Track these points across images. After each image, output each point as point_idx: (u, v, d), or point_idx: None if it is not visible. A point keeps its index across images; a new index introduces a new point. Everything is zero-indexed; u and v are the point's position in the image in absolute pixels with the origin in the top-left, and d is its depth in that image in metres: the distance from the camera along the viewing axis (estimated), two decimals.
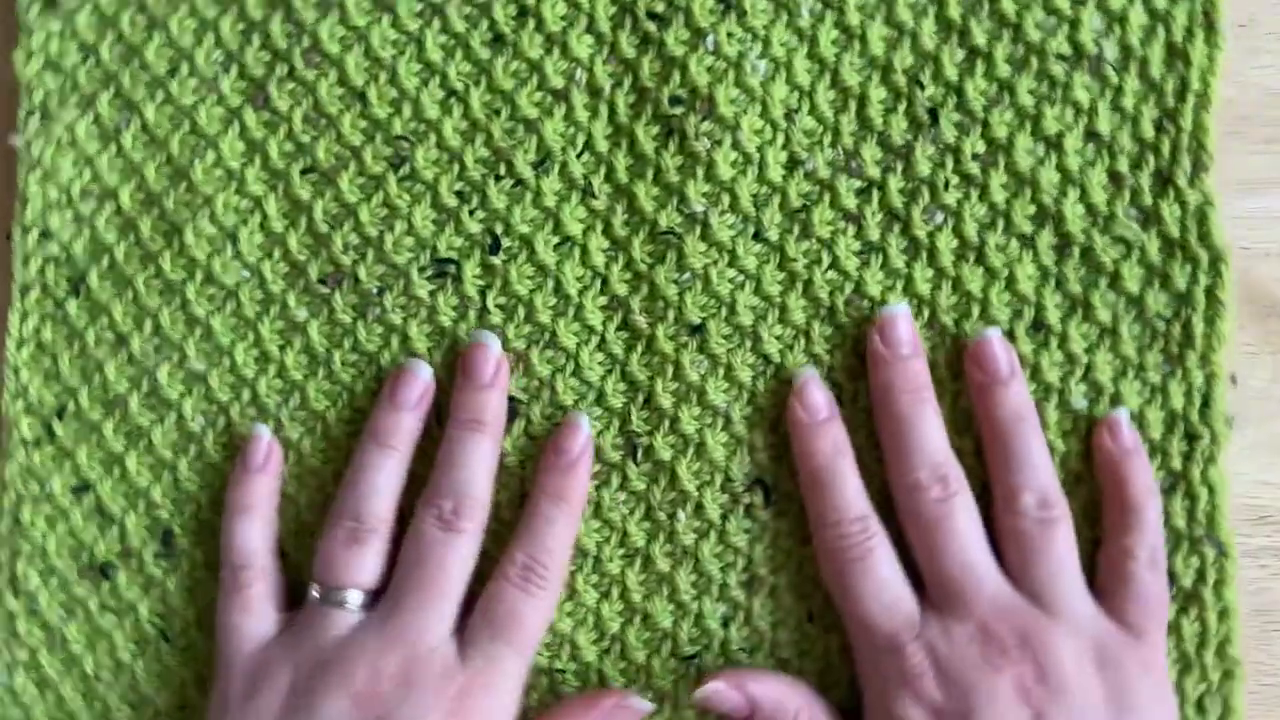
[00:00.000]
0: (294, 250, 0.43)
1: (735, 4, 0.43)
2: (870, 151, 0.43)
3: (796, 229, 0.43)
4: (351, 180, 0.43)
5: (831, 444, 0.41)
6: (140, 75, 0.43)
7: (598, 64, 0.43)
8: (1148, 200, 0.42)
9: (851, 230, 0.43)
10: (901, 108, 0.43)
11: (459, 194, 0.43)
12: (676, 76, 0.43)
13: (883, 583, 0.39)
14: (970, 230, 0.42)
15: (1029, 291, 0.42)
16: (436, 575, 0.39)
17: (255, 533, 0.41)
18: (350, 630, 0.39)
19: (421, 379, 0.42)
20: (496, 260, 0.43)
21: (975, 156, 0.42)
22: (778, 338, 0.43)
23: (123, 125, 0.43)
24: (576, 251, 0.43)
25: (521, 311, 0.43)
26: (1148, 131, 0.42)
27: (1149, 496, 0.40)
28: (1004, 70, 0.42)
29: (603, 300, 0.43)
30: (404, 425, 0.41)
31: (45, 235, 0.43)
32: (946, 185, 0.42)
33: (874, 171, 0.43)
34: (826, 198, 0.43)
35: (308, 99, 0.43)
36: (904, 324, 0.41)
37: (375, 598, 0.40)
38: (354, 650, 0.38)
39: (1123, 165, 0.42)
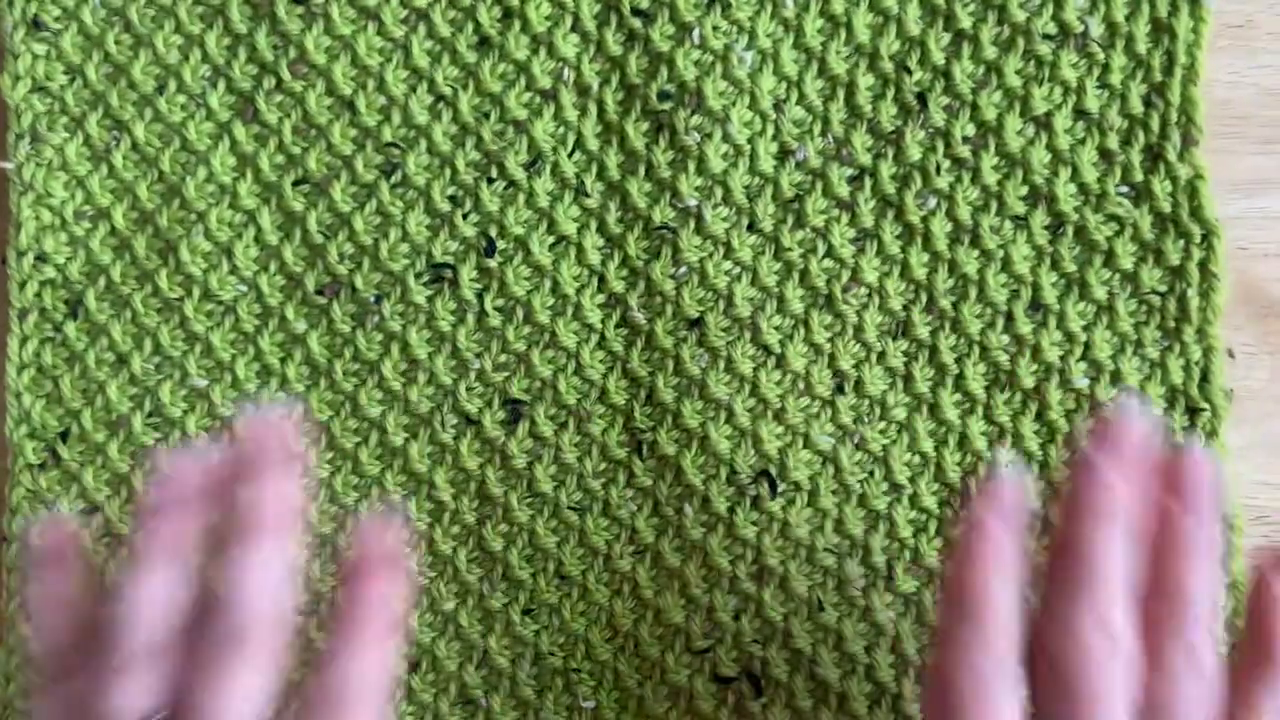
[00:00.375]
0: (290, 262, 0.43)
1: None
2: (861, 139, 0.43)
3: (790, 219, 0.43)
4: (344, 189, 0.43)
5: (1014, 566, 0.33)
6: (128, 94, 0.43)
7: (585, 62, 0.43)
8: (1139, 176, 0.42)
9: (845, 218, 0.43)
10: (890, 94, 0.43)
11: (452, 198, 0.43)
12: (664, 72, 0.43)
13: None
14: (964, 213, 0.42)
15: (1025, 272, 0.42)
16: (223, 709, 0.31)
17: None
18: None
19: (187, 469, 0.34)
20: (493, 263, 0.43)
21: (965, 139, 0.42)
22: (777, 328, 0.43)
23: (113, 145, 0.43)
24: (572, 250, 0.43)
25: (520, 312, 0.43)
26: (1136, 107, 0.42)
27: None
28: (991, 52, 0.42)
29: (600, 298, 0.43)
30: (169, 530, 0.33)
31: (41, 259, 0.43)
32: (938, 169, 0.42)
33: (865, 159, 0.43)
34: (819, 186, 0.43)
35: (296, 110, 0.43)
36: (1142, 425, 0.34)
37: None
38: None
39: (1113, 142, 0.42)
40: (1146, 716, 0.32)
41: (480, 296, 0.43)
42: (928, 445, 0.43)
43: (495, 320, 0.43)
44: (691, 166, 0.43)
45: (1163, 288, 0.42)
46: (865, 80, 0.43)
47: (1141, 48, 0.42)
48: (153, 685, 0.32)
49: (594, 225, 0.43)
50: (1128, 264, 0.42)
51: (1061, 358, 0.42)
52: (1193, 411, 0.42)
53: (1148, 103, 0.42)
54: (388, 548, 0.34)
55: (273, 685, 0.32)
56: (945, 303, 0.42)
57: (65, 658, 0.33)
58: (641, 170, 0.43)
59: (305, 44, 0.43)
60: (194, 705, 0.31)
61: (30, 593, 0.34)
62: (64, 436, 0.43)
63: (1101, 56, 0.42)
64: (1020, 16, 0.42)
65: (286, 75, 0.43)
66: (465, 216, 0.43)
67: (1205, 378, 0.42)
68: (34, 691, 0.33)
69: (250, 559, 0.32)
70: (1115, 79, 0.42)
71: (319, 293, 0.43)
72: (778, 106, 0.43)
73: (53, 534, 0.35)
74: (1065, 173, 0.42)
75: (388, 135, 0.43)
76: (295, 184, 0.43)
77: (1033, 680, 0.32)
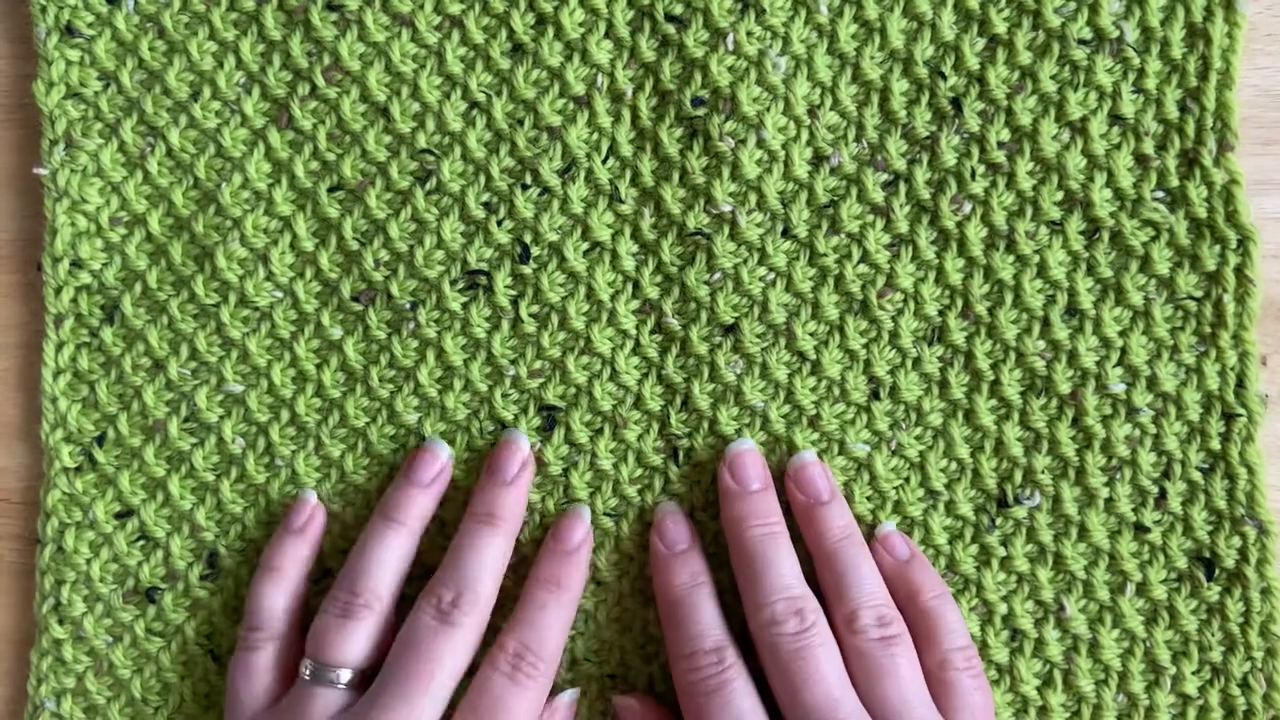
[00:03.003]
0: (325, 269, 0.43)
1: (754, 3, 0.43)
2: (895, 144, 0.43)
3: (825, 224, 0.43)
4: (379, 196, 0.43)
5: (689, 574, 0.40)
6: (162, 100, 0.43)
7: (619, 68, 0.43)
8: (1174, 182, 0.42)
9: (880, 223, 0.43)
10: (924, 99, 0.43)
11: (486, 205, 0.43)
12: (698, 78, 0.43)
13: (739, 716, 0.38)
14: (999, 219, 0.42)
15: (1061, 277, 0.42)
16: (425, 666, 0.38)
17: (277, 596, 0.41)
18: (333, 713, 0.38)
19: (440, 458, 0.42)
20: (527, 269, 0.43)
21: (1000, 145, 0.42)
22: (811, 334, 0.43)
23: (148, 151, 0.43)
24: (606, 257, 0.43)
25: (555, 319, 0.43)
26: (1172, 112, 0.42)
27: (944, 602, 0.40)
28: (1025, 57, 0.42)
29: (635, 304, 0.43)
30: (415, 502, 0.41)
31: (76, 265, 0.43)
32: (973, 174, 0.42)
33: (900, 164, 0.43)
34: (854, 192, 0.43)
35: (331, 117, 0.43)
36: (751, 459, 0.41)
37: (369, 676, 0.39)
38: None
39: (1148, 147, 0.42)
40: (850, 664, 0.38)
41: (515, 303, 0.43)
42: (964, 451, 0.43)
43: (530, 327, 0.43)
44: (726, 172, 0.43)
45: (1199, 293, 0.42)
46: (899, 85, 0.43)
47: (1177, 53, 0.42)
48: (369, 638, 0.39)
49: (628, 231, 0.43)
50: (1164, 269, 0.42)
51: (1098, 363, 0.42)
52: (1229, 417, 0.42)
53: (1183, 108, 0.42)
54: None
55: (474, 648, 0.39)
56: (981, 308, 0.42)
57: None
58: (676, 176, 0.43)
59: (340, 50, 0.43)
60: (400, 663, 0.38)
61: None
62: (100, 441, 0.43)
63: (1137, 61, 0.42)
64: (1055, 21, 0.42)
65: (321, 81, 0.43)
66: (500, 223, 0.43)
67: (1241, 383, 0.42)
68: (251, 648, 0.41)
69: (484, 544, 0.40)
70: (1151, 84, 0.42)
71: (355, 299, 0.43)
72: (812, 112, 0.43)
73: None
74: (1101, 178, 0.42)
75: (422, 142, 0.43)
76: (330, 190, 0.43)
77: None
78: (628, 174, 0.43)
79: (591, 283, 0.43)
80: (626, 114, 0.43)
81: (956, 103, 0.43)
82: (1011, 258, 0.42)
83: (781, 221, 0.43)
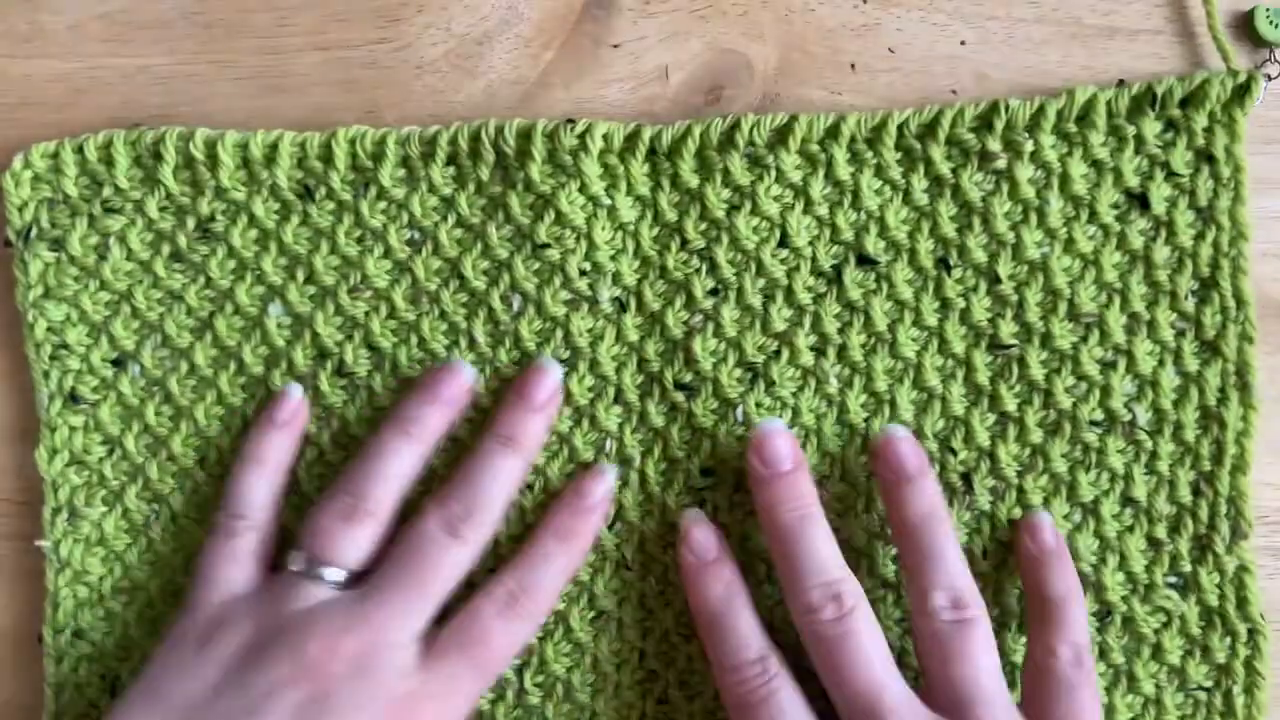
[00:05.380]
0: None
1: (763, 374, 0.42)
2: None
3: None
4: None
5: (724, 586, 0.40)
6: (168, 466, 0.43)
7: (627, 433, 0.43)
8: (1186, 566, 0.42)
9: (891, 598, 0.42)
10: (934, 473, 0.42)
11: (492, 570, 0.43)
12: (706, 447, 0.42)
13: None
14: (1011, 599, 0.42)
15: None
16: (424, 574, 0.38)
17: (262, 486, 0.41)
18: (321, 603, 0.38)
19: (462, 378, 0.41)
20: (533, 639, 0.43)
21: (1011, 523, 0.42)
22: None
23: (152, 518, 0.43)
24: (612, 626, 0.43)
25: (559, 690, 0.43)
26: (1185, 496, 0.42)
27: (1071, 595, 0.39)
28: (1036, 435, 0.42)
29: (640, 674, 0.43)
30: (432, 418, 0.41)
31: (77, 635, 0.43)
32: (984, 553, 0.42)
33: None
34: (864, 565, 0.42)
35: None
36: (781, 439, 0.40)
37: (355, 581, 0.39)
38: (317, 621, 0.37)
39: (1160, 531, 0.42)
40: (919, 647, 0.39)
41: (519, 672, 0.43)
42: None
43: (534, 698, 0.43)
44: (734, 544, 0.42)
45: (1209, 684, 0.42)
46: None
47: (1190, 435, 0.42)
48: (368, 544, 0.39)
49: (634, 598, 0.43)
50: (1175, 658, 0.42)
51: None
52: None
53: (1196, 491, 0.42)
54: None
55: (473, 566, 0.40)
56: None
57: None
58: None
59: (347, 415, 0.43)
60: (396, 568, 0.38)
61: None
62: None
63: (1150, 444, 0.42)
64: (1067, 403, 0.42)
65: (328, 446, 0.43)
66: None
67: None
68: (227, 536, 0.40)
69: (497, 464, 0.40)
70: (1163, 466, 0.42)
71: None
72: (820, 483, 0.43)
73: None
74: (1113, 560, 0.42)
75: None
76: None
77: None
78: (634, 539, 0.43)
79: (597, 653, 0.43)
80: (635, 478, 0.43)
81: (967, 478, 0.42)
82: (1023, 639, 0.42)
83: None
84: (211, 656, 0.37)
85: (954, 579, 0.39)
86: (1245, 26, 0.43)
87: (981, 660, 0.38)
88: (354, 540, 0.39)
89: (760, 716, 0.38)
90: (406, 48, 0.44)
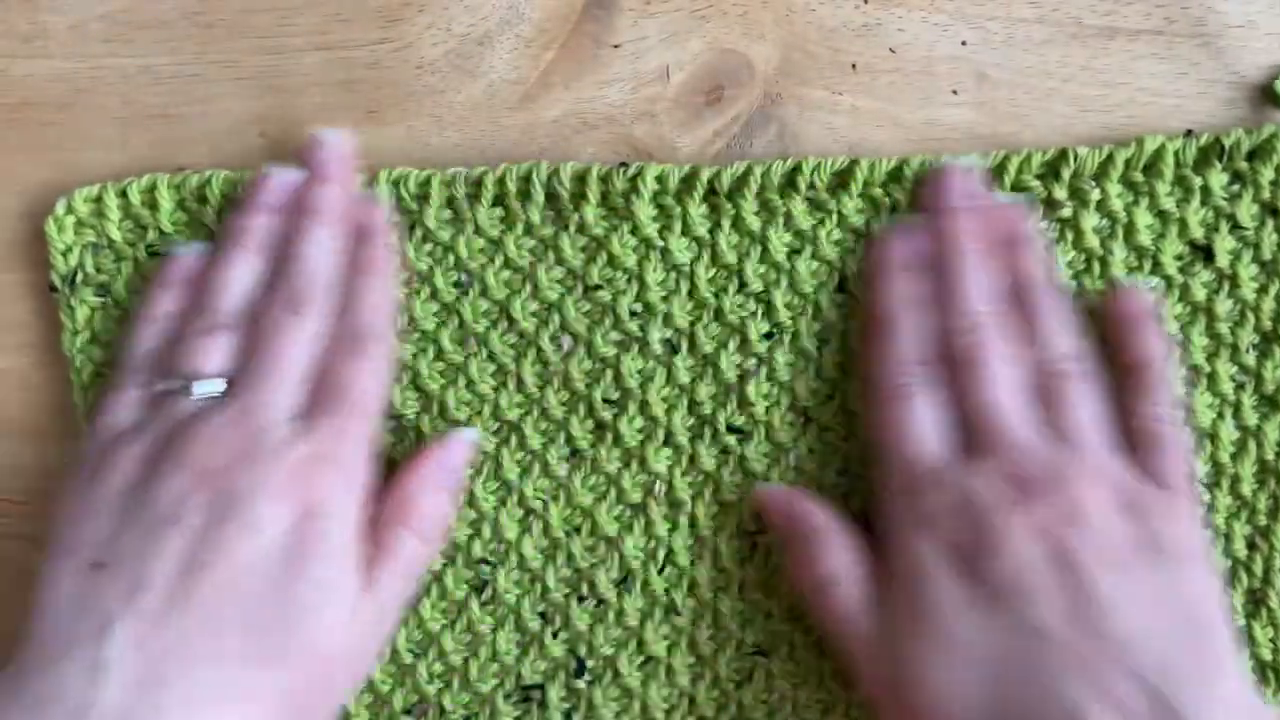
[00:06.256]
0: (378, 682, 0.43)
1: (816, 419, 0.42)
2: None
3: None
4: (434, 606, 0.43)
5: (909, 293, 0.40)
6: None
7: (677, 475, 0.42)
8: (1240, 621, 0.42)
9: None
10: None
11: (542, 615, 0.43)
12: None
13: (923, 422, 0.39)
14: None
15: None
16: (277, 356, 0.39)
17: (151, 332, 0.41)
18: (195, 413, 0.38)
19: (280, 181, 0.41)
20: (581, 684, 0.43)
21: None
22: None
23: None
24: (661, 670, 0.43)
25: None
26: (1240, 550, 0.42)
27: (1163, 354, 0.40)
28: None
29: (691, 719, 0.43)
30: (258, 225, 0.41)
31: None
32: None
33: None
34: None
35: None
36: (967, 177, 0.41)
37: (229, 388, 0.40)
38: (197, 428, 0.38)
39: None
40: (1040, 395, 0.39)
41: (568, 716, 0.43)
42: None
43: None
44: (784, 589, 0.42)
45: None
46: None
47: (1247, 489, 0.42)
48: (227, 352, 0.39)
49: (684, 644, 0.43)
50: None
51: None
52: None
53: (1251, 545, 0.42)
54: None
55: (322, 341, 0.40)
56: None
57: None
58: (734, 589, 0.42)
59: (396, 459, 0.42)
60: (254, 362, 0.39)
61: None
62: None
63: (1206, 496, 0.42)
64: None
65: None
66: (555, 635, 0.43)
67: None
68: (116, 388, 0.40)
69: (309, 238, 0.40)
70: (1220, 519, 0.42)
71: (407, 712, 0.43)
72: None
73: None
74: None
75: (478, 550, 0.42)
76: None
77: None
78: (684, 583, 0.43)
79: (646, 699, 0.43)
80: (685, 521, 0.43)
81: None
82: None
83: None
84: (109, 486, 0.37)
85: (1073, 339, 0.40)
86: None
87: (1095, 407, 0.39)
88: (211, 350, 0.39)
89: (902, 407, 0.39)
90: (407, 48, 0.43)
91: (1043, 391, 0.39)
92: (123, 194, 0.41)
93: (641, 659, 0.43)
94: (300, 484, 0.37)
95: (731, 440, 0.42)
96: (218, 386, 0.39)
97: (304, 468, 0.37)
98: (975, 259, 0.40)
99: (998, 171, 0.41)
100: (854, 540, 0.40)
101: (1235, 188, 0.41)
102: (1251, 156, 0.41)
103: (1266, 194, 0.41)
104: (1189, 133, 0.41)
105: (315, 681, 0.36)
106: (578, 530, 0.43)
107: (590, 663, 0.43)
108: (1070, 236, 0.41)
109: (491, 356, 0.42)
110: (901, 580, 0.38)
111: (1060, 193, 0.41)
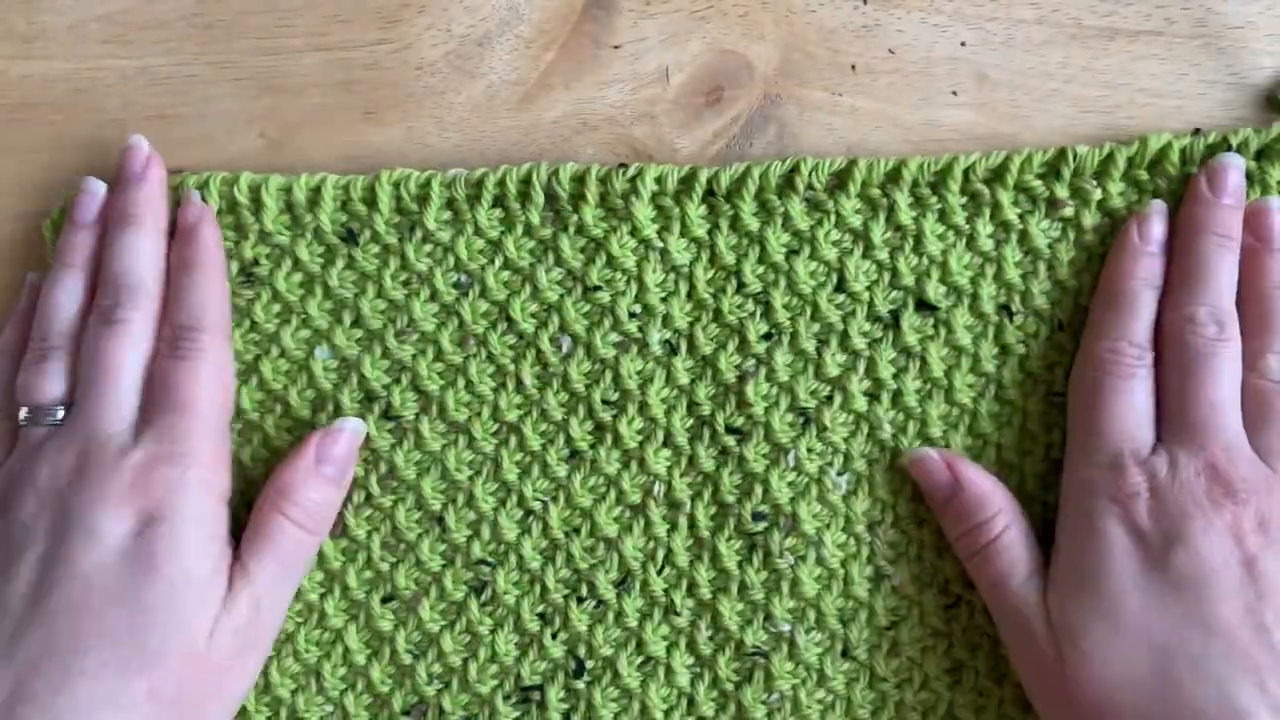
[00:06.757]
0: (377, 681, 0.43)
1: (816, 419, 0.42)
2: (953, 567, 0.42)
3: (885, 646, 0.42)
4: (433, 607, 0.43)
5: (1154, 275, 0.40)
6: None
7: (676, 476, 0.42)
8: None
9: (941, 647, 0.42)
10: None
11: (541, 616, 0.43)
12: (758, 491, 0.42)
13: (1133, 405, 0.39)
14: None
15: None
16: (104, 369, 0.39)
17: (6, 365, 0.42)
18: (41, 439, 0.39)
19: (96, 196, 0.42)
20: (580, 684, 0.43)
21: None
22: None
23: None
24: (661, 671, 0.43)
25: None
26: None
27: None
28: None
29: None
30: (77, 242, 0.42)
31: None
32: None
33: (957, 588, 0.42)
34: (915, 614, 0.42)
35: (385, 525, 0.43)
36: (1236, 175, 0.40)
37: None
38: (42, 453, 0.39)
39: None
40: (1245, 403, 0.39)
41: (567, 717, 0.43)
42: None
43: None
44: (785, 588, 0.42)
45: None
46: None
47: None
48: (60, 375, 0.40)
49: (684, 644, 0.43)
50: None
51: None
52: None
53: None
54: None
55: (150, 342, 0.40)
56: None
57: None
58: (734, 589, 0.42)
59: (395, 460, 0.42)
60: (84, 379, 0.39)
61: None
62: None
63: None
64: None
65: (376, 489, 0.42)
66: (554, 635, 0.43)
67: None
68: None
69: (123, 245, 0.41)
70: None
71: (406, 713, 0.43)
72: (872, 529, 0.42)
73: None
74: None
75: (478, 551, 0.42)
76: (384, 601, 0.43)
77: (1159, 360, 0.40)
78: (683, 584, 0.43)
79: (645, 700, 0.43)
80: (683, 522, 0.43)
81: None
82: None
83: (840, 641, 0.42)
84: None
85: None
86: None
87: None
88: (49, 377, 0.40)
89: (1113, 387, 0.39)
90: (407, 48, 0.43)
91: (1251, 394, 0.39)
92: None
93: (641, 659, 0.43)
94: (140, 489, 0.38)
95: (730, 441, 0.42)
96: (56, 415, 0.40)
97: (143, 472, 0.38)
98: (1233, 257, 0.40)
99: (998, 172, 0.41)
100: (1018, 506, 0.41)
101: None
102: (1260, 156, 0.40)
103: (1275, 192, 0.40)
104: (1197, 131, 0.41)
105: (190, 681, 0.37)
106: (577, 531, 0.43)
107: (589, 663, 0.43)
108: (1073, 235, 0.41)
109: (491, 357, 0.42)
110: (1083, 553, 0.38)
111: (1062, 192, 0.41)
